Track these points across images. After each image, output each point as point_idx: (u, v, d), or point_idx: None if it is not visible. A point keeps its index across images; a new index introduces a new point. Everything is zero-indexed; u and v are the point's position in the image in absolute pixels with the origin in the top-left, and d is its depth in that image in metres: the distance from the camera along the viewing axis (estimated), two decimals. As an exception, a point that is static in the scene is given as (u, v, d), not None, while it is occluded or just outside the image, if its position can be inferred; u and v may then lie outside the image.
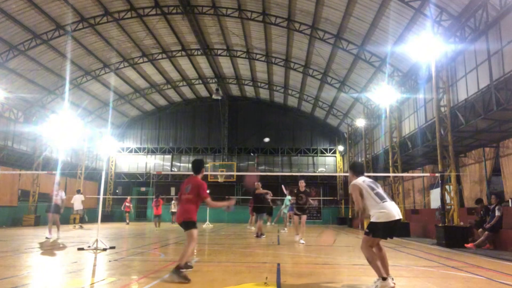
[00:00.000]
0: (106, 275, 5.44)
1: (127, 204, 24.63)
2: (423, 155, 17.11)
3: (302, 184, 11.68)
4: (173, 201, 25.12)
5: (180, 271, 5.01)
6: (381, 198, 4.80)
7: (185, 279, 4.93)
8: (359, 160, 27.12)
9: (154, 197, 21.54)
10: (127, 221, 24.64)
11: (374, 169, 22.20)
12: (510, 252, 9.21)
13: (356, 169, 5.20)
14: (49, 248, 9.13)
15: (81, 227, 19.62)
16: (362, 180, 5.00)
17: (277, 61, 23.89)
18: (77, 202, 19.88)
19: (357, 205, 4.92)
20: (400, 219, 4.79)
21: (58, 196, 12.00)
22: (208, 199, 5.57)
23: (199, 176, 5.70)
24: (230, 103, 33.06)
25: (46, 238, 11.29)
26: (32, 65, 20.57)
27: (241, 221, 25.90)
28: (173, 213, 24.51)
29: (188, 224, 5.38)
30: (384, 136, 20.97)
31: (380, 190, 4.91)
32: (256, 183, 14.05)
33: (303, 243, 10.86)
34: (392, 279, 4.66)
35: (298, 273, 5.71)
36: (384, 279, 4.60)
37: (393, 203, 4.86)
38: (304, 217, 11.53)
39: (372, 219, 4.77)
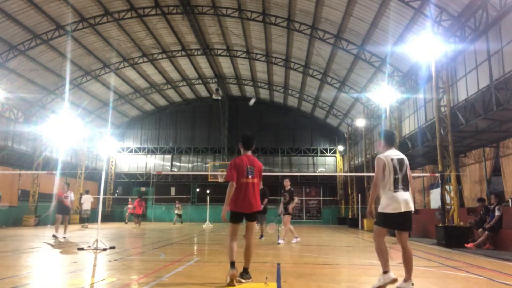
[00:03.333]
0: (106, 275, 5.44)
1: (130, 206, 23.53)
2: (423, 155, 17.10)
3: (286, 183, 11.51)
4: (176, 205, 25.84)
5: (249, 274, 4.91)
6: (396, 186, 4.54)
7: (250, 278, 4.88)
8: (360, 159, 27.14)
9: (135, 197, 22.77)
10: (136, 220, 23.75)
11: (374, 169, 22.21)
12: (510, 252, 9.21)
13: (387, 139, 4.83)
14: (49, 248, 9.13)
15: (84, 226, 19.73)
16: (391, 158, 4.63)
17: (277, 61, 23.89)
18: (87, 202, 20.28)
19: (376, 181, 4.61)
20: (407, 212, 4.51)
21: (68, 198, 11.88)
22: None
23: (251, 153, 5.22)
24: (230, 103, 33.06)
25: (63, 237, 11.25)
26: (32, 65, 20.57)
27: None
28: (178, 214, 25.58)
29: (257, 214, 5.09)
30: (384, 136, 20.94)
31: (401, 175, 4.58)
32: None
33: (280, 243, 10.63)
34: (412, 282, 4.42)
35: (298, 273, 5.71)
36: (385, 272, 4.45)
37: (405, 193, 4.55)
38: (286, 217, 11.11)
39: (379, 208, 4.57)
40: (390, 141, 4.85)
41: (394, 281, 4.37)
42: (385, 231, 4.63)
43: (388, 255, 4.57)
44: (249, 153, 5.18)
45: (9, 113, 21.68)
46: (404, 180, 4.57)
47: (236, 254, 4.88)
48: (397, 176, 4.55)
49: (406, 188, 4.57)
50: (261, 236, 12.62)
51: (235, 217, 4.98)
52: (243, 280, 4.82)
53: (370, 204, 4.65)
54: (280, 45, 22.32)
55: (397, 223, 4.54)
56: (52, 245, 9.74)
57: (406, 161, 4.69)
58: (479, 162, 14.61)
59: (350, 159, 27.77)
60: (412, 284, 4.39)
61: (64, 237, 11.36)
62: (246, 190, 4.91)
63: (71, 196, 12.08)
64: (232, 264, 4.79)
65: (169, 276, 5.29)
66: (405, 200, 4.50)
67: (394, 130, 17.78)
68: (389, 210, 4.48)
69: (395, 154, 4.69)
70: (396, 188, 4.52)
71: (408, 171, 4.65)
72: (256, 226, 5.27)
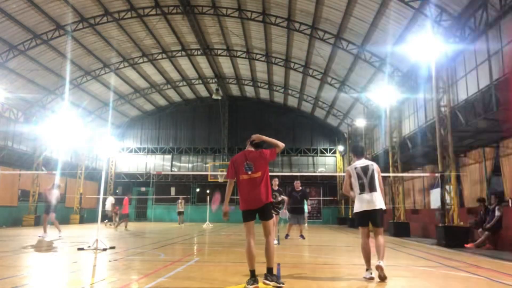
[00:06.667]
0: (106, 275, 5.45)
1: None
2: (423, 155, 17.08)
3: (275, 182, 11.62)
4: (179, 201, 24.74)
5: (276, 275, 4.65)
6: (361, 190, 5.36)
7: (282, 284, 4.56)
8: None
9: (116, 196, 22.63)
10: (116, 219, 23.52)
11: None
12: (510, 252, 9.21)
13: (354, 151, 5.81)
14: (49, 248, 9.13)
15: (107, 225, 21.10)
16: (355, 167, 5.54)
17: (277, 61, 23.88)
18: (108, 204, 21.47)
19: (344, 187, 5.62)
20: (373, 210, 5.26)
21: (53, 193, 11.69)
22: (277, 148, 4.88)
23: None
24: (230, 103, 33.04)
25: (39, 236, 11.09)
26: (32, 65, 20.56)
27: (241, 221, 25.86)
28: (180, 213, 24.34)
29: (267, 210, 4.80)
30: (384, 136, 20.96)
31: (366, 180, 5.37)
32: (296, 181, 13.39)
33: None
34: (380, 261, 5.02)
35: (298, 273, 5.72)
36: (366, 270, 5.20)
37: (370, 194, 5.28)
38: (275, 217, 11.03)
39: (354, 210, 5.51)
40: (356, 153, 5.75)
41: (369, 279, 5.07)
42: (366, 230, 5.40)
43: (367, 256, 5.27)
44: (252, 148, 4.99)
45: (9, 113, 21.67)
46: (370, 184, 5.35)
47: (254, 260, 4.64)
48: (361, 181, 5.39)
49: (372, 190, 5.32)
50: (301, 235, 12.75)
51: (244, 216, 4.84)
52: (268, 282, 4.53)
53: (351, 196, 5.65)
54: (280, 45, 22.31)
55: (366, 220, 5.37)
56: (51, 246, 9.74)
57: (373, 167, 5.45)
58: (479, 162, 14.59)
59: (350, 159, 27.73)
60: (380, 262, 4.99)
61: (40, 236, 10.85)
62: (247, 187, 4.79)
63: (55, 192, 11.76)
64: (252, 274, 4.56)
65: (169, 276, 5.30)
66: (368, 200, 5.30)
67: (394, 130, 17.76)
68: (357, 209, 5.40)
69: (360, 163, 5.54)
70: (361, 191, 5.37)
71: (377, 175, 5.40)
72: (272, 224, 5.00)
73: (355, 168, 5.49)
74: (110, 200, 21.71)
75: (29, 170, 22.06)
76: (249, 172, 4.78)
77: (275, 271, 4.75)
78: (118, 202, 24.48)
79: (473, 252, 9.32)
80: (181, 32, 22.33)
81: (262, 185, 4.77)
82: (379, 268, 4.93)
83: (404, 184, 18.29)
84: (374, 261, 5.31)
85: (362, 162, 5.54)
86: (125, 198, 19.63)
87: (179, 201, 24.55)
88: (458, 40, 13.10)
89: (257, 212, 4.79)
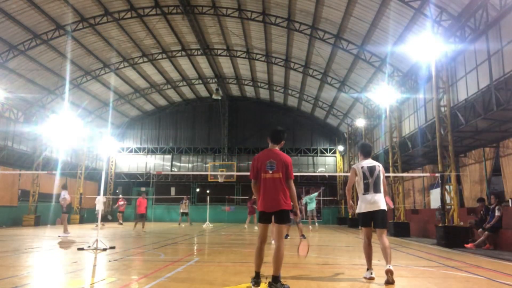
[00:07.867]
0: (106, 275, 5.44)
1: (120, 203, 23.56)
2: (423, 155, 17.10)
3: None
4: (183, 201, 24.00)
5: (283, 284, 4.35)
6: (365, 190, 5.32)
7: None
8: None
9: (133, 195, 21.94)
10: (120, 221, 23.65)
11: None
12: (510, 252, 9.21)
13: (361, 150, 5.72)
14: (49, 248, 9.13)
15: (102, 225, 20.52)
16: (361, 166, 5.46)
17: (277, 61, 23.88)
18: (99, 203, 20.86)
19: (348, 185, 5.55)
20: (376, 211, 5.22)
21: (62, 197, 13.10)
22: (292, 181, 4.60)
23: (278, 148, 4.74)
24: (230, 103, 33.05)
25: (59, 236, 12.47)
26: (32, 65, 20.56)
27: (241, 221, 25.92)
28: (183, 213, 23.64)
29: (284, 215, 4.47)
30: (384, 136, 20.95)
31: (371, 180, 5.33)
32: None
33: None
34: (389, 265, 4.95)
35: (298, 273, 5.72)
36: (367, 269, 5.25)
37: (374, 195, 5.25)
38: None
39: (357, 210, 5.45)
40: (364, 152, 5.67)
41: (370, 279, 5.11)
42: (369, 230, 5.37)
43: (369, 256, 5.30)
44: (276, 147, 4.76)
45: (9, 113, 21.67)
46: (375, 185, 5.32)
47: (260, 263, 4.45)
48: (366, 181, 5.35)
49: (376, 191, 5.29)
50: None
51: (260, 217, 4.57)
52: None
53: (348, 201, 5.66)
54: (280, 45, 22.31)
55: (369, 221, 5.31)
56: (51, 246, 9.74)
57: (379, 168, 5.43)
58: (479, 162, 14.60)
59: (350, 159, 27.74)
60: (389, 266, 4.93)
61: (59, 236, 12.51)
62: (265, 187, 4.53)
63: (63, 195, 13.09)
64: (256, 275, 4.39)
65: (169, 276, 5.30)
66: (372, 201, 5.27)
67: (394, 130, 17.77)
68: (361, 210, 5.35)
69: (367, 163, 5.50)
70: (365, 191, 5.33)
71: (382, 177, 5.39)
72: (285, 228, 4.80)
73: (362, 167, 5.43)
74: (100, 199, 21.29)
75: (29, 170, 22.06)
76: (270, 172, 4.55)
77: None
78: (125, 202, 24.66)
79: (473, 252, 9.32)
80: (181, 32, 22.33)
81: (282, 188, 4.51)
82: (389, 272, 4.85)
83: (404, 184, 18.29)
84: (375, 261, 5.32)
85: (369, 162, 5.50)
86: (139, 198, 18.89)
87: (183, 201, 23.75)
88: (458, 40, 13.10)
89: (273, 215, 4.52)
